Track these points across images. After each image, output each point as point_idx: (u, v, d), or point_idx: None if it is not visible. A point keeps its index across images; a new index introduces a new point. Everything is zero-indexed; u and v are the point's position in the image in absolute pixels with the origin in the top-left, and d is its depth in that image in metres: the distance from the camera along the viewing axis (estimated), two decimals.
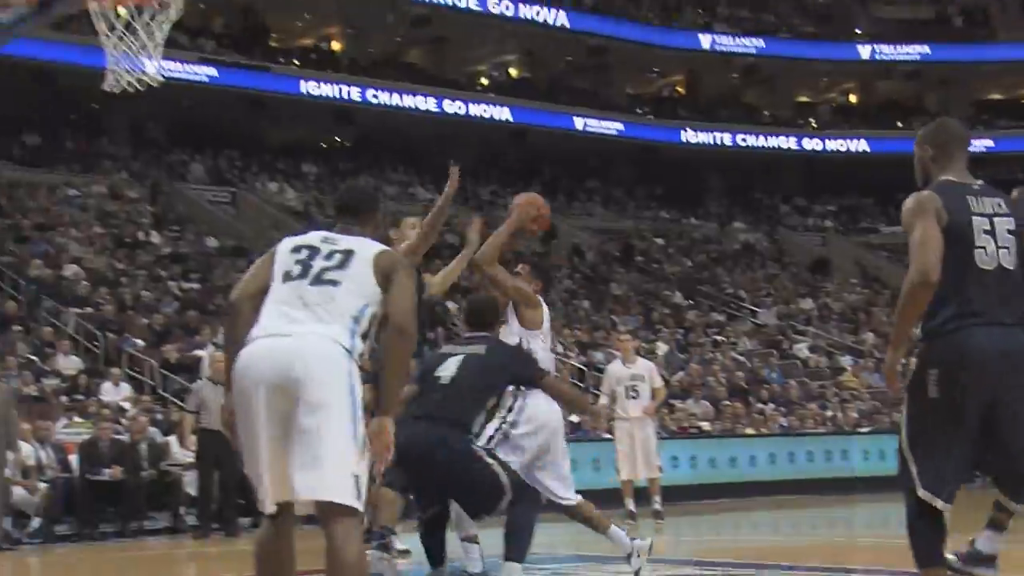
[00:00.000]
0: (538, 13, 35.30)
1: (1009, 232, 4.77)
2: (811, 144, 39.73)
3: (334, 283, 4.63)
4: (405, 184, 33.95)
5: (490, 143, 35.38)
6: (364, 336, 4.66)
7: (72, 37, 23.06)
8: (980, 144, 37.67)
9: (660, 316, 27.36)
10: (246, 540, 11.91)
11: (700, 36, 38.55)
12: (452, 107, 34.01)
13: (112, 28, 6.72)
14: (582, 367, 22.03)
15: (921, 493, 4.69)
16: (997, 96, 42.73)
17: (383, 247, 4.84)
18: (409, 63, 36.82)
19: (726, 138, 38.64)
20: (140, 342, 18.76)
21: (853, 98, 43.42)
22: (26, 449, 13.59)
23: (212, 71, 30.29)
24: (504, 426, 6.83)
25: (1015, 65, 39.33)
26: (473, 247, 7.71)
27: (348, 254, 4.71)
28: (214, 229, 27.08)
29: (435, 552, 6.80)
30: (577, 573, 8.78)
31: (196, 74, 29.66)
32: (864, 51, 40.09)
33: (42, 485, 13.60)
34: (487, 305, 7.06)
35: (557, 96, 36.87)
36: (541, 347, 7.30)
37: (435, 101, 33.77)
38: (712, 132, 38.54)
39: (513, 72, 39.42)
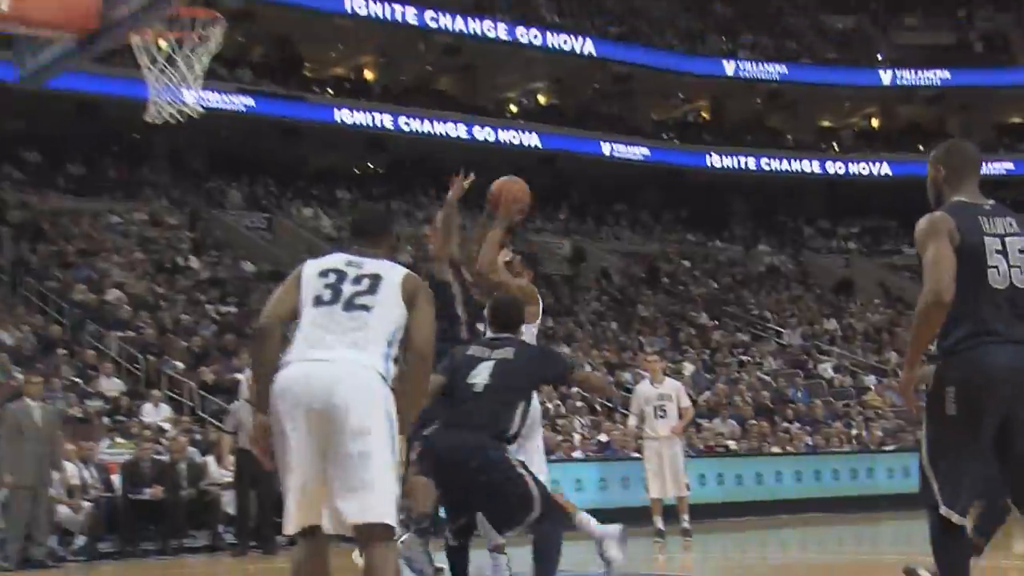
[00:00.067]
0: (565, 42, 35.42)
1: (1020, 251, 4.76)
2: (834, 168, 39.62)
3: (366, 308, 4.65)
4: (436, 209, 33.96)
5: (520, 169, 34.53)
6: (396, 360, 4.69)
7: (115, 70, 23.24)
8: (1000, 167, 37.60)
9: (687, 337, 27.29)
10: (283, 558, 11.94)
11: (724, 63, 38.54)
12: (482, 134, 34.10)
13: (154, 61, 6.80)
14: None
15: (943, 511, 4.67)
16: (1017, 120, 42.48)
17: (407, 271, 4.86)
18: (440, 91, 36.96)
19: (750, 162, 38.58)
20: (179, 364, 18.87)
21: (875, 122, 43.25)
22: (70, 469, 13.68)
23: (249, 101, 30.49)
24: None
25: None
26: (451, 207, 7.66)
27: (376, 279, 4.73)
28: (251, 254, 27.22)
29: (459, 569, 6.74)
30: None
31: (234, 104, 29.86)
32: (885, 76, 39.97)
33: (86, 504, 13.67)
34: (512, 305, 6.84)
35: (585, 122, 36.91)
36: (532, 336, 7.23)
37: (465, 128, 33.86)
38: (736, 156, 38.47)
39: (542, 99, 39.51)
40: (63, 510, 13.40)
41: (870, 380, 26.61)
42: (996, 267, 4.71)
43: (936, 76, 39.71)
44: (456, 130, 33.71)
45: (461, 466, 6.19)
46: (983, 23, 42.70)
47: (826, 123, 42.67)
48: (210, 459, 15.03)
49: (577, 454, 18.22)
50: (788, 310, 32.00)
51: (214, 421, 17.01)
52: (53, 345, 18.73)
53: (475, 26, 33.94)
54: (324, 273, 4.77)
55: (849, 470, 20.68)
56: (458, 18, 33.67)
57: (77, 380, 17.53)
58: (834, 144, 41.16)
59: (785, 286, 35.01)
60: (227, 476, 14.41)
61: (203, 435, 16.26)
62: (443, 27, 33.49)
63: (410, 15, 32.82)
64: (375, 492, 4.42)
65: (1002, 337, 4.66)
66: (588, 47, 35.75)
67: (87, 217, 26.19)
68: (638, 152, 37.03)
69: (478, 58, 35.98)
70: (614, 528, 7.29)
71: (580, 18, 37.25)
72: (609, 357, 23.97)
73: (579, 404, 20.90)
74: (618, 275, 32.74)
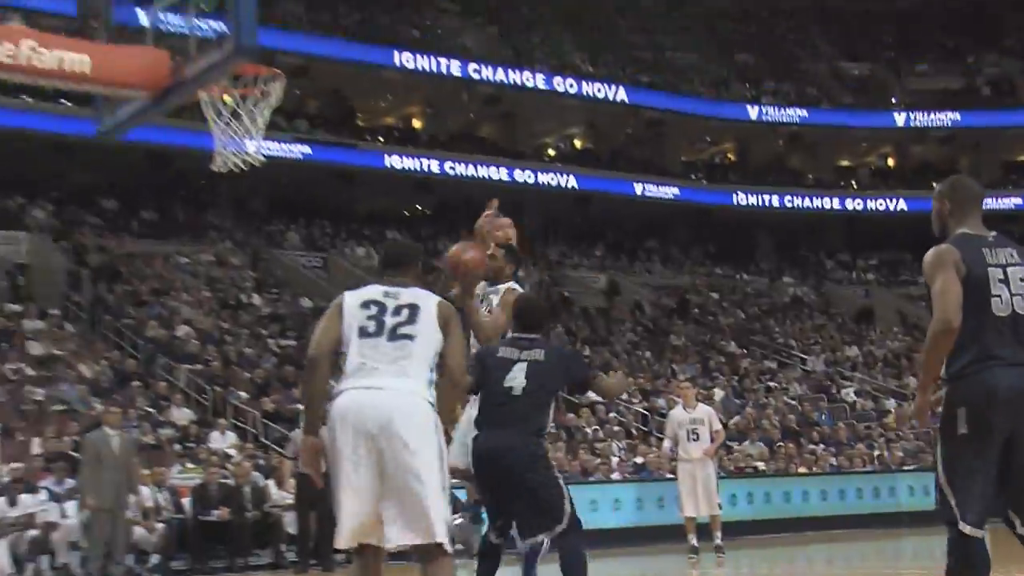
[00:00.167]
0: (599, 90, 35.49)
1: (1022, 280, 4.75)
2: (852, 204, 39.39)
3: (410, 338, 4.69)
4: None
5: (557, 209, 35.46)
6: (436, 384, 4.74)
7: (184, 123, 23.51)
8: (1009, 202, 37.35)
9: (716, 364, 27.15)
10: (341, 574, 11.95)
11: (748, 108, 38.48)
12: (522, 176, 34.17)
13: (220, 114, 6.88)
14: (645, 412, 21.93)
15: (963, 526, 4.64)
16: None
17: (440, 299, 4.90)
18: (482, 138, 37.11)
19: (774, 200, 38.43)
20: (243, 394, 18.96)
21: (890, 161, 43.00)
22: (145, 493, 13.80)
23: (306, 149, 30.74)
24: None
25: None
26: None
27: (414, 308, 4.76)
28: (308, 291, 27.35)
29: (489, 567, 6.45)
30: None
31: (292, 152, 30.09)
32: (900, 119, 39.78)
33: (159, 525, 13.78)
34: (539, 307, 6.60)
35: (618, 164, 36.96)
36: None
37: (506, 171, 33.94)
38: (761, 195, 38.34)
39: (577, 143, 39.57)
40: (139, 531, 13.51)
41: (890, 403, 26.34)
42: (999, 296, 4.70)
43: (947, 118, 39.52)
44: (498, 173, 33.78)
45: (500, 462, 6.05)
46: (990, 68, 42.51)
47: (844, 162, 42.48)
48: (272, 483, 15.11)
49: (615, 475, 18.15)
50: (812, 338, 31.78)
51: (276, 447, 17.07)
52: (128, 378, 18.88)
53: (515, 77, 34.09)
54: (365, 304, 4.78)
55: (872, 489, 20.49)
56: (499, 70, 33.85)
57: (150, 410, 17.67)
58: (852, 182, 40.96)
59: (808, 316, 34.77)
60: (288, 498, 14.48)
61: (266, 460, 16.32)
62: (485, 78, 33.67)
63: (454, 67, 33.05)
64: (431, 514, 4.44)
65: (1006, 361, 4.65)
66: (620, 94, 35.81)
67: (159, 259, 26.43)
68: (668, 192, 36.97)
69: (517, 106, 36.14)
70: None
71: (613, 67, 37.34)
72: (643, 384, 23.88)
73: (616, 428, 20.83)
74: (651, 307, 32.64)
